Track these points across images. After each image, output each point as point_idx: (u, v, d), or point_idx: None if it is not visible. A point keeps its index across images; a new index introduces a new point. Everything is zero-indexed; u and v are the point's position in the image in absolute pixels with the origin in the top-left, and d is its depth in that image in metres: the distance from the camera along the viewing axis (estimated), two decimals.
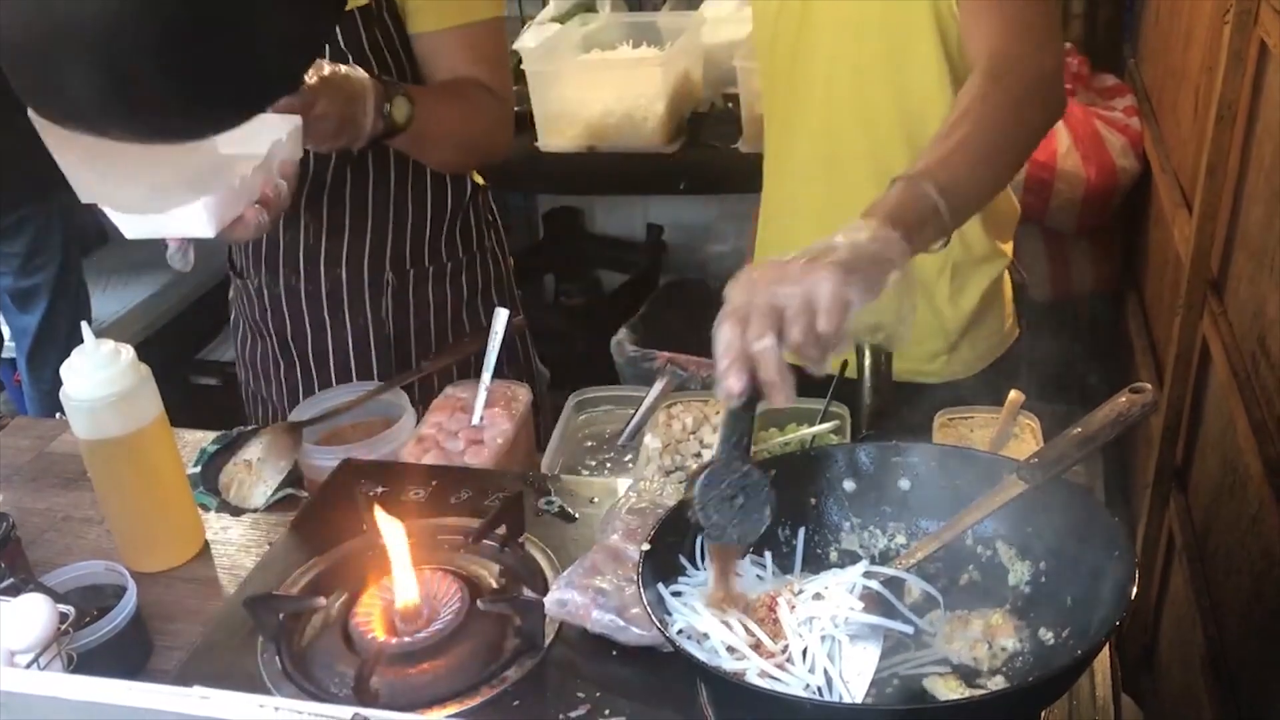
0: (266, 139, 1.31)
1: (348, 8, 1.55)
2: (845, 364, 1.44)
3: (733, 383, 0.98)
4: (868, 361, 1.36)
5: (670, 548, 1.07)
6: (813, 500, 1.15)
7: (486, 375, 1.47)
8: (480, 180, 1.82)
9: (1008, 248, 1.65)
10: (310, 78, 1.34)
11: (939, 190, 1.13)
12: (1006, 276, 1.67)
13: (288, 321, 1.77)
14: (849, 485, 1.16)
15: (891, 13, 1.45)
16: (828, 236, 1.05)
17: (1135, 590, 0.93)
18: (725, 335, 0.99)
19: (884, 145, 1.52)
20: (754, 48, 1.71)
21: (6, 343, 3.22)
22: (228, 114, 1.19)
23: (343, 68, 1.41)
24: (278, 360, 1.81)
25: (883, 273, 1.04)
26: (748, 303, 1.00)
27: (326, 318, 1.74)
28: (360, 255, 1.70)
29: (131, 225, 1.26)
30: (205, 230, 1.25)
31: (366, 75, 1.43)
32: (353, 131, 1.42)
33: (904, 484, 1.15)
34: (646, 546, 1.05)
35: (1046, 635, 1.02)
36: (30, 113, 1.19)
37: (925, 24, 1.44)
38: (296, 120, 1.35)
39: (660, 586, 1.03)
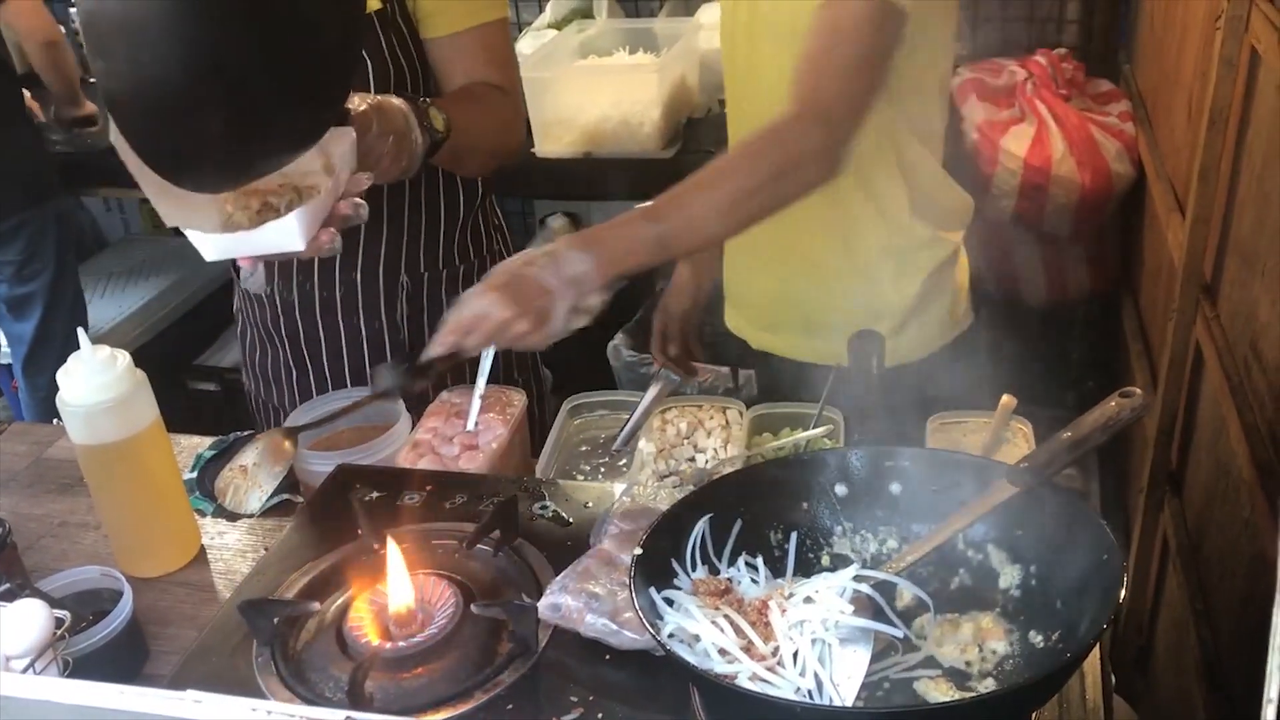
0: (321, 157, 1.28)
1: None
2: (837, 369, 1.45)
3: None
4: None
5: (663, 552, 1.08)
6: (805, 505, 1.16)
7: (481, 381, 1.47)
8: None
9: (953, 236, 1.69)
10: (357, 104, 1.34)
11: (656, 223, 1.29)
12: (960, 265, 1.71)
13: (300, 328, 1.77)
14: (841, 490, 1.16)
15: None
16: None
17: (1124, 594, 0.94)
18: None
19: None
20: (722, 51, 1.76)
21: (3, 349, 3.23)
22: (303, 138, 1.19)
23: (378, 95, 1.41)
24: (289, 367, 1.81)
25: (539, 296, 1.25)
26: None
27: (340, 323, 1.74)
28: (376, 259, 1.70)
29: (213, 247, 1.23)
30: (297, 244, 1.22)
31: (398, 97, 1.43)
32: (409, 151, 1.41)
33: (895, 488, 1.16)
34: (639, 551, 1.05)
35: (1036, 638, 1.02)
36: (111, 135, 1.18)
37: None
38: (351, 133, 1.32)
39: (652, 591, 1.04)
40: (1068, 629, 0.99)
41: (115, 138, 1.19)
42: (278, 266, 1.74)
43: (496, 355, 1.48)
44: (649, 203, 1.31)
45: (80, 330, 1.30)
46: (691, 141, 2.86)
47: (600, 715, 1.07)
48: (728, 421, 1.51)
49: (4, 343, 3.19)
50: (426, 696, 1.08)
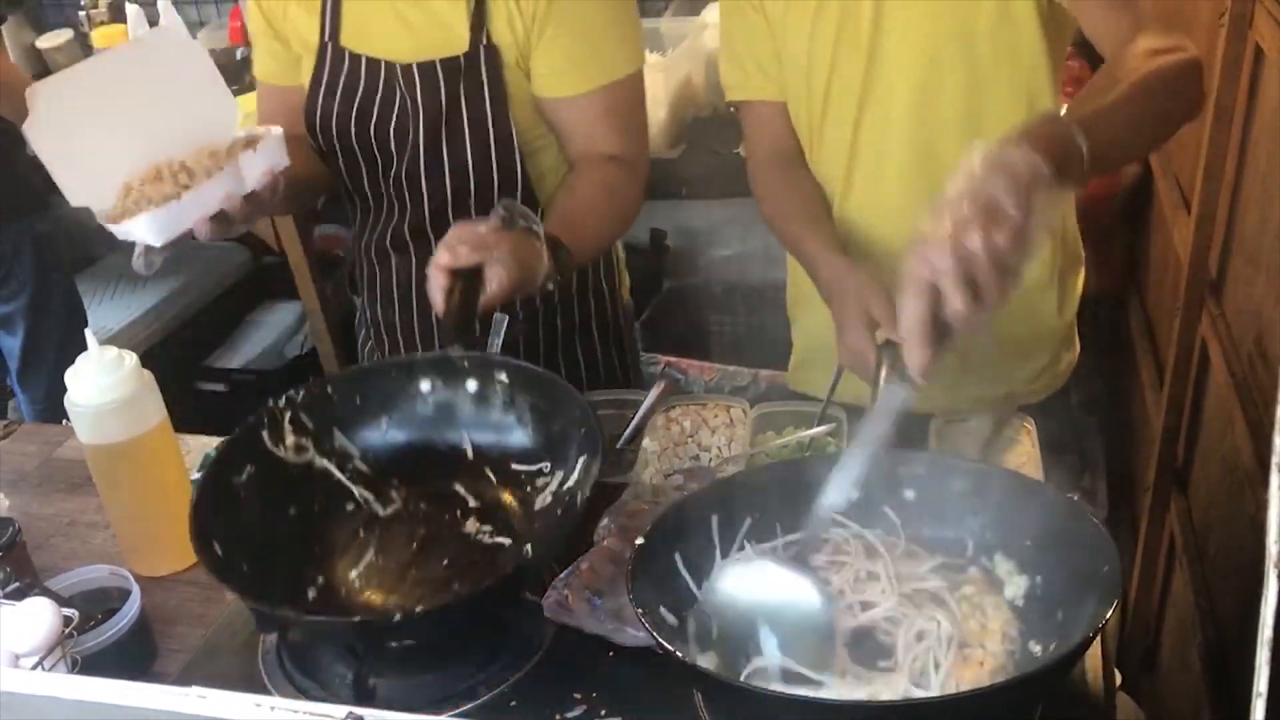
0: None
1: (440, 57, 1.53)
2: (840, 372, 1.44)
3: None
4: (885, 372, 1.31)
5: (664, 548, 1.08)
6: (811, 504, 1.16)
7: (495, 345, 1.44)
8: None
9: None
10: (496, 284, 1.28)
11: (1086, 137, 1.08)
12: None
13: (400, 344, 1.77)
14: (854, 494, 1.16)
15: None
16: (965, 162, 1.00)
17: (1118, 604, 0.94)
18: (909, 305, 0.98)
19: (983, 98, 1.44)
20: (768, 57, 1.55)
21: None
22: None
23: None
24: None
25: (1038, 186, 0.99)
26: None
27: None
28: None
29: (111, 228, 1.33)
30: (154, 241, 1.32)
31: (541, 248, 1.35)
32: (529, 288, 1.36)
33: (909, 494, 1.15)
34: (641, 540, 1.06)
35: (1035, 648, 1.02)
36: (25, 127, 1.23)
37: None
38: (279, 130, 1.40)
39: (651, 587, 1.04)
40: (1065, 640, 0.99)
41: (27, 127, 1.24)
42: (397, 297, 1.73)
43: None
44: (1061, 112, 1.14)
45: (88, 331, 1.31)
46: (698, 141, 2.85)
47: (603, 712, 1.07)
48: (731, 420, 1.51)
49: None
50: (431, 693, 1.09)
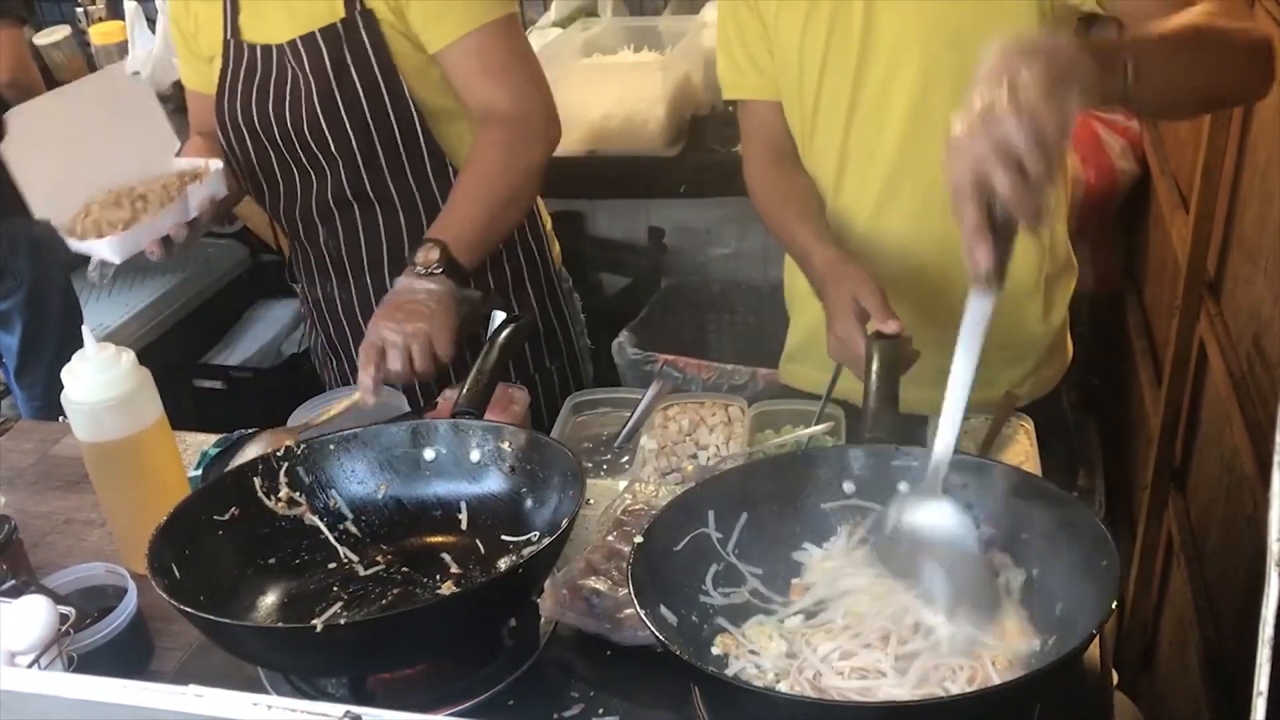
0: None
1: (319, 27, 1.61)
2: (839, 370, 1.44)
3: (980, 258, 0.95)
4: (876, 364, 1.30)
5: (662, 547, 1.08)
6: (810, 501, 1.16)
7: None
8: None
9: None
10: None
11: (1134, 56, 1.06)
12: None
13: (349, 334, 1.84)
14: (848, 487, 1.16)
15: None
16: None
17: (1120, 601, 0.94)
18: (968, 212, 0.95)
19: None
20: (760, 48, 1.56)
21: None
22: None
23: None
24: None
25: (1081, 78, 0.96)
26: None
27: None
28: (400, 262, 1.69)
29: (70, 243, 1.54)
30: (114, 259, 1.54)
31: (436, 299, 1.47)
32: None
33: (903, 487, 1.15)
34: (639, 539, 1.06)
35: (1034, 643, 1.02)
36: (2, 146, 1.39)
37: None
38: (218, 163, 1.62)
39: (650, 585, 1.04)
40: (1063, 636, 0.99)
41: (3, 146, 1.39)
42: (315, 269, 1.83)
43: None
44: (1114, 40, 1.12)
45: (85, 328, 1.31)
46: (696, 139, 2.85)
47: (601, 711, 1.07)
48: (729, 418, 1.51)
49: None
50: (428, 692, 1.09)
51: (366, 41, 1.62)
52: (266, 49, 1.67)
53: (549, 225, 1.93)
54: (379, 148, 1.68)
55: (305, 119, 1.66)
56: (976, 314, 1.00)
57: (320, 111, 1.65)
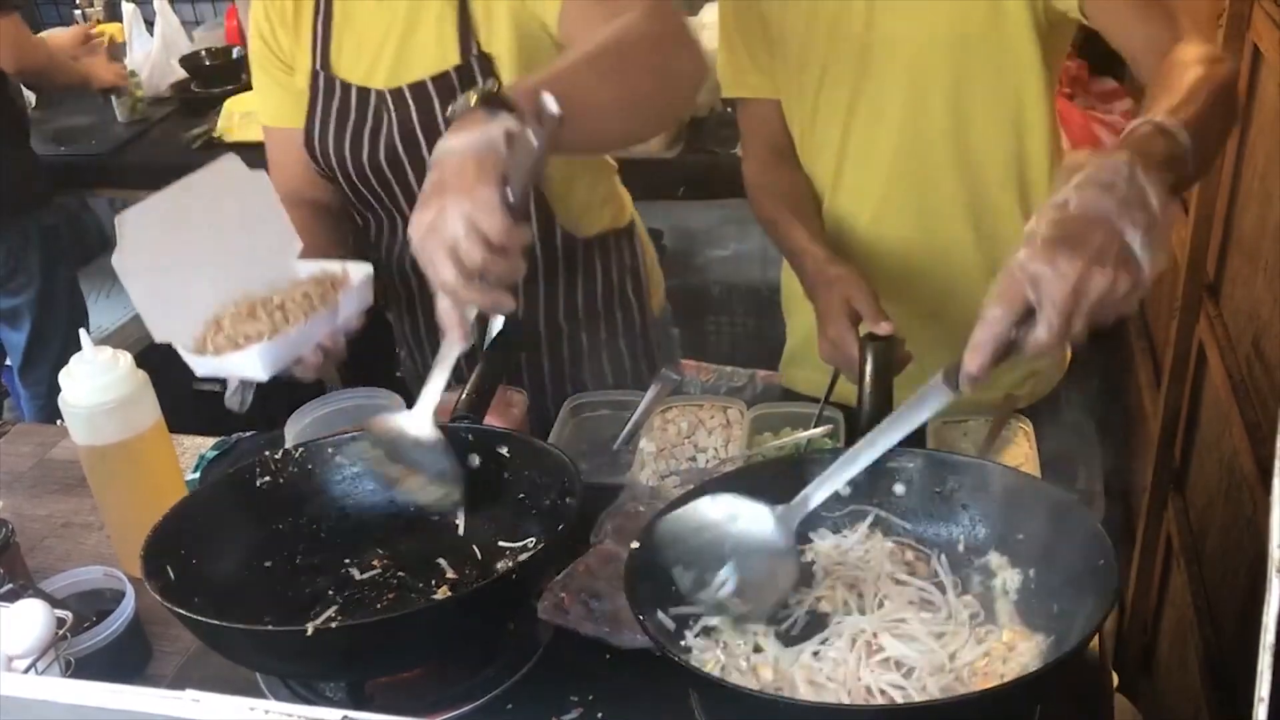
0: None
1: (430, 75, 1.48)
2: (837, 373, 1.44)
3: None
4: (869, 366, 1.29)
5: (661, 550, 1.08)
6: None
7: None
8: None
9: None
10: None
11: (1190, 136, 1.04)
12: None
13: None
14: (844, 490, 1.16)
15: None
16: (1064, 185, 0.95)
17: (1120, 598, 0.93)
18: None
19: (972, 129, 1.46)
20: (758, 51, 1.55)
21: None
22: None
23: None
24: None
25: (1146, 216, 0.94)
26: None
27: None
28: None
29: (198, 364, 1.29)
30: (259, 374, 1.27)
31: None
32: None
33: (898, 489, 1.15)
34: (637, 543, 1.05)
35: (1032, 643, 1.02)
36: (114, 258, 1.21)
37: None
38: (368, 268, 1.37)
39: (649, 589, 1.04)
40: (1061, 635, 0.99)
41: (117, 259, 1.22)
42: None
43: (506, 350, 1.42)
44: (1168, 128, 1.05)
45: (82, 331, 1.31)
46: (695, 142, 2.85)
47: (600, 715, 1.07)
48: (728, 421, 1.51)
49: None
50: (426, 696, 1.09)
51: None
52: (364, 91, 1.53)
53: (654, 260, 1.80)
54: None
55: (409, 170, 1.54)
56: (931, 405, 1.02)
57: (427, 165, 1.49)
